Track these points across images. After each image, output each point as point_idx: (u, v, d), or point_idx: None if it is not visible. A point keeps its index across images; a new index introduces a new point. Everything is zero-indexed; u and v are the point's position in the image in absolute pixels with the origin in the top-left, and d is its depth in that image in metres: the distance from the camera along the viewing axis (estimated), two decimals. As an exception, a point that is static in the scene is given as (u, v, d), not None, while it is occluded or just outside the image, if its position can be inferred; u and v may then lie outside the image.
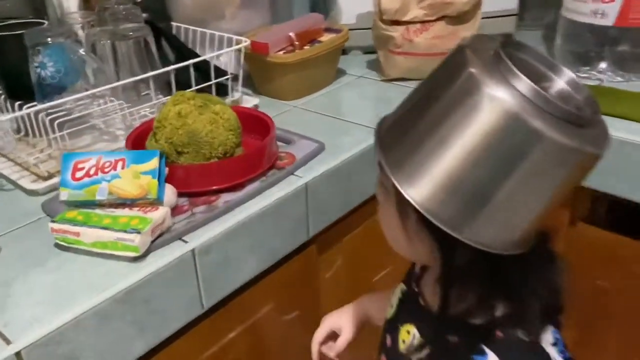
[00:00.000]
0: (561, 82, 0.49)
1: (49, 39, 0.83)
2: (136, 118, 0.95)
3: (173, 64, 0.94)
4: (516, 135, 0.43)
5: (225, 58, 1.14)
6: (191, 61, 0.91)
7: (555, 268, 0.54)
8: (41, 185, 0.80)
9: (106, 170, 0.67)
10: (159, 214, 0.67)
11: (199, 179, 0.74)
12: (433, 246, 0.50)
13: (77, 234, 0.65)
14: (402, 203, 0.48)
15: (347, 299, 1.02)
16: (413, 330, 0.60)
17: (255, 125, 0.87)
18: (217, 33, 1.04)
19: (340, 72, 1.20)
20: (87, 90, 0.90)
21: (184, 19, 1.13)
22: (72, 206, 0.69)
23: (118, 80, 0.92)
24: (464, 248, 0.47)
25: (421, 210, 0.47)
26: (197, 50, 1.09)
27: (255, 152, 0.77)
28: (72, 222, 0.65)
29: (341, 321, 0.77)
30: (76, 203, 0.68)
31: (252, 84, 1.13)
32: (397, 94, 1.10)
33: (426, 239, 0.50)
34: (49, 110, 0.83)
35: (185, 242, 0.68)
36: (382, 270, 1.06)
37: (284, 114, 1.03)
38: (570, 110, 0.44)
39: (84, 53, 0.85)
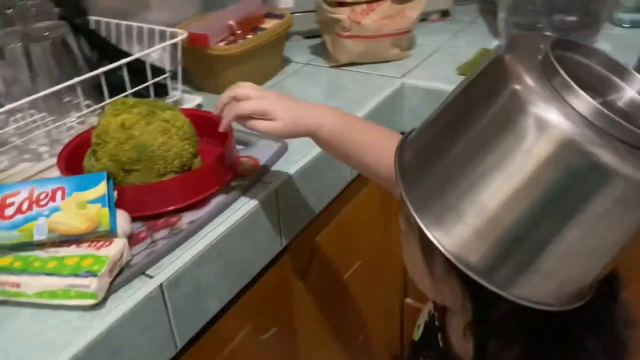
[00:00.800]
0: (631, 91, 0.39)
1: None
2: (62, 130, 0.82)
3: (95, 65, 0.81)
4: (576, 172, 0.34)
5: (156, 54, 1.02)
6: (124, 60, 0.79)
7: (622, 320, 0.45)
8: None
9: (42, 203, 0.56)
10: (116, 248, 0.56)
11: (155, 200, 0.64)
12: (464, 296, 0.43)
13: (17, 285, 0.53)
14: (428, 243, 0.40)
15: (322, 303, 0.95)
16: None
17: (207, 129, 0.76)
18: (146, 26, 0.92)
19: (285, 61, 1.11)
20: (-1, 104, 0.76)
21: (104, 12, 0.99)
22: (4, 250, 0.56)
23: (36, 88, 0.78)
24: (502, 302, 0.39)
25: (453, 260, 0.38)
26: (124, 47, 0.96)
27: (215, 161, 0.67)
28: (9, 270, 0.53)
29: (281, 112, 0.58)
30: (9, 246, 0.56)
31: (191, 80, 1.01)
32: (349, 80, 1.03)
33: (455, 286, 0.43)
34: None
35: (150, 276, 0.58)
36: (352, 266, 1.00)
37: (232, 112, 0.93)
38: None
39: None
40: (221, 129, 0.62)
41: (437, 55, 1.11)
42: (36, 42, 0.76)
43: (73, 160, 0.70)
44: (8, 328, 0.53)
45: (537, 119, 0.34)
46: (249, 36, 0.98)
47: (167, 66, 0.92)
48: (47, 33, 0.76)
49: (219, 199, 0.68)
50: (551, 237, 0.36)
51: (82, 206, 0.56)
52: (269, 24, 1.02)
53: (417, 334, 0.60)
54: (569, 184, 0.35)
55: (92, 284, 0.52)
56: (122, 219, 0.61)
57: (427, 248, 0.42)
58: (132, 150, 0.62)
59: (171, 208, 0.64)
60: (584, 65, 0.40)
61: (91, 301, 0.53)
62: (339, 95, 0.99)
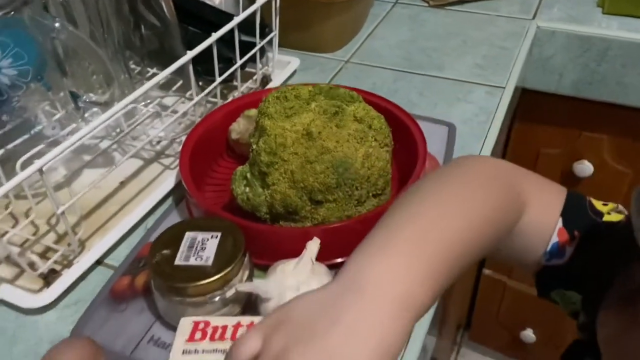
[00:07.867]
0: None
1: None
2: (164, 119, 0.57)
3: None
4: None
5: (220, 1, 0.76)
6: (236, 20, 0.54)
7: None
8: (45, 296, 0.43)
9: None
10: None
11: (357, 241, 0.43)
12: None
13: None
14: None
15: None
16: None
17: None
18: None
19: (370, 1, 0.88)
20: (47, 91, 0.51)
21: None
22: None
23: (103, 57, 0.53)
24: None
25: None
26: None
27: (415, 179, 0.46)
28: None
29: None
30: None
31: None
32: (463, 25, 0.82)
33: None
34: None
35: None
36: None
37: (339, 76, 0.71)
38: None
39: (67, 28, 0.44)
40: None
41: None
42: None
43: (197, 174, 0.48)
44: None
45: None
46: (353, -27, 0.73)
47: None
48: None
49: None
50: None
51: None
52: (367, -46, 0.78)
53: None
54: None
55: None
56: (325, 276, 0.40)
57: None
58: (328, 172, 0.40)
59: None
60: None
61: None
62: (455, 48, 0.76)
